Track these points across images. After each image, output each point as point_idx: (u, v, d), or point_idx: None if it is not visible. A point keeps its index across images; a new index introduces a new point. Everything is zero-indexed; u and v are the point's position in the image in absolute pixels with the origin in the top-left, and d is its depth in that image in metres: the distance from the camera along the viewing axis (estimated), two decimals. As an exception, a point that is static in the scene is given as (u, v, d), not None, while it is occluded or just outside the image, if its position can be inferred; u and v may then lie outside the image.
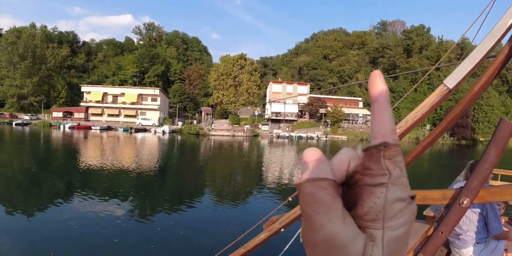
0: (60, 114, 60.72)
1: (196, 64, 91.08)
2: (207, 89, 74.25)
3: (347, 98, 72.75)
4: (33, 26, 71.78)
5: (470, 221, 2.88)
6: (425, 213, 3.18)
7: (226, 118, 67.51)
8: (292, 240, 5.55)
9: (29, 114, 61.02)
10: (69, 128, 49.64)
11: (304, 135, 51.50)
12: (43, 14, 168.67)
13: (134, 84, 75.91)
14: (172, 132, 52.03)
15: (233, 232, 7.41)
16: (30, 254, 6.18)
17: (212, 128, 53.98)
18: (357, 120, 63.64)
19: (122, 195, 10.96)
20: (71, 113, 61.75)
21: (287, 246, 5.58)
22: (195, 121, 62.57)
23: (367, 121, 63.31)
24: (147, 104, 62.91)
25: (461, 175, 4.27)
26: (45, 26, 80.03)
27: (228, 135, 51.37)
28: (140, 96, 63.33)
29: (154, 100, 63.49)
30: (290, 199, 3.42)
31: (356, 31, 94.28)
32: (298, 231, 5.29)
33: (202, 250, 6.49)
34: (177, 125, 58.36)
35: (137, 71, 79.00)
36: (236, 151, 30.37)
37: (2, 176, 13.46)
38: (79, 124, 52.51)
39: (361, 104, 72.44)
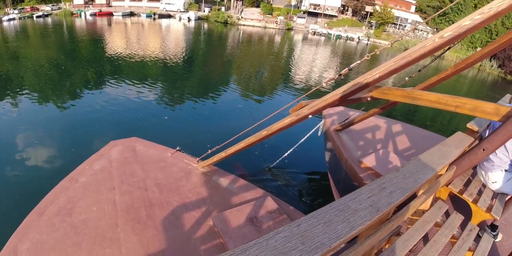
0: (81, 1, 57.55)
1: None
2: (237, -31, 65.63)
3: None
4: None
5: (510, 144, 2.46)
6: (468, 125, 2.85)
7: (257, 6, 61.82)
8: (311, 131, 5.61)
9: (50, 5, 58.70)
10: (91, 15, 47.95)
11: (343, 34, 46.55)
12: None
13: (154, -39, 68.02)
14: (198, 19, 48.99)
15: (258, 117, 7.57)
16: (67, 139, 6.59)
17: (242, 17, 50.20)
18: (405, 26, 55.89)
19: (150, 83, 11.04)
20: (92, -1, 58.67)
21: (305, 137, 5.70)
22: (223, 8, 57.88)
23: (416, 29, 55.87)
24: (171, -14, 57.72)
25: (503, 100, 3.90)
26: None
27: (259, 26, 47.89)
28: (162, -24, 57.59)
29: (178, -20, 57.76)
30: (324, 84, 3.04)
31: None
32: (319, 124, 5.22)
33: (226, 131, 6.73)
34: (204, 11, 54.48)
35: None
36: (266, 45, 28.86)
37: (31, 70, 13.53)
38: (100, 11, 50.30)
39: (413, 8, 62.19)
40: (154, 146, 3.80)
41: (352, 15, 58.50)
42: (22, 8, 58.62)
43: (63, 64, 14.45)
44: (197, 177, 3.26)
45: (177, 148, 3.69)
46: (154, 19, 46.77)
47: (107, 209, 2.72)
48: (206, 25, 42.99)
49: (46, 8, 57.47)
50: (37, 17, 50.72)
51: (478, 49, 51.62)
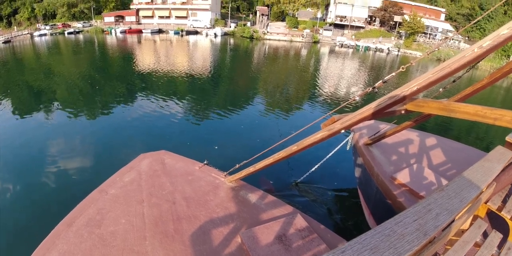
0: (112, 19, 61.17)
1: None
2: (263, -15, 67.73)
3: (427, 6, 61.68)
4: None
5: None
6: (507, 138, 2.73)
7: (283, 20, 62.94)
8: (340, 145, 5.49)
9: (82, 22, 62.22)
10: (121, 32, 50.43)
11: (372, 46, 45.85)
12: None
13: (183, -19, 71.59)
14: (224, 35, 50.56)
15: (287, 132, 7.44)
16: (99, 151, 6.90)
17: (268, 32, 51.16)
18: (435, 35, 54.55)
19: (179, 97, 11.40)
20: (122, 17, 62.05)
21: (333, 151, 5.58)
22: (249, 23, 59.44)
23: (447, 38, 54.79)
24: (198, 4, 59.97)
25: None
26: None
27: (285, 40, 48.53)
28: (190, -6, 60.30)
29: (205, -2, 60.21)
30: (357, 98, 3.00)
31: None
32: (348, 138, 5.11)
33: (254, 146, 6.75)
34: (230, 27, 56.16)
35: (186, -35, 73.22)
36: (293, 58, 29.06)
37: (63, 84, 14.47)
38: (130, 28, 52.98)
39: (442, 17, 61.40)
40: (182, 160, 3.86)
41: (380, 26, 58.04)
42: (54, 24, 62.15)
43: (95, 79, 15.28)
44: (225, 192, 3.26)
45: (205, 162, 3.74)
46: (182, 35, 48.64)
47: (136, 221, 2.77)
48: (232, 41, 44.14)
49: (78, 25, 60.91)
50: (69, 33, 53.46)
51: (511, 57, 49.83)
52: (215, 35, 48.53)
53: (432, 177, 3.65)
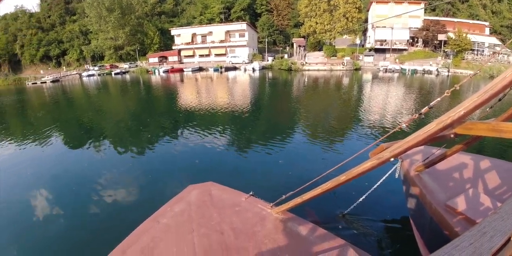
0: (156, 60, 66.94)
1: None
2: (297, 18, 70.49)
3: (470, 21, 59.61)
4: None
5: None
6: None
7: (320, 50, 64.16)
8: (387, 174, 5.31)
9: (128, 63, 68.69)
10: (164, 72, 54.95)
11: (419, 68, 44.25)
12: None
13: (221, 21, 76.99)
14: (262, 68, 52.50)
15: (332, 162, 7.36)
16: (149, 182, 7.38)
17: (306, 62, 52.23)
18: (483, 51, 51.66)
19: (221, 130, 11.97)
20: (165, 58, 67.60)
21: (381, 180, 5.40)
22: (286, 55, 61.37)
23: (495, 52, 51.91)
24: (235, 41, 63.82)
25: None
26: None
27: (325, 70, 49.02)
28: (227, 33, 64.42)
29: (242, 36, 63.83)
30: (404, 125, 3.03)
31: None
32: (396, 166, 4.96)
33: (299, 176, 6.75)
34: (267, 60, 58.39)
35: (223, 7, 79.05)
36: (334, 87, 29.17)
37: (111, 121, 16.00)
38: (172, 68, 57.60)
39: (487, 31, 59.11)
40: (228, 191, 4.02)
41: (424, 46, 56.62)
42: (102, 65, 69.08)
43: (141, 116, 16.54)
44: (272, 223, 3.32)
45: (251, 193, 3.85)
46: (221, 72, 51.24)
47: (187, 251, 2.91)
48: (270, 74, 45.59)
49: (124, 65, 67.05)
50: (116, 74, 58.83)
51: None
52: (253, 70, 50.58)
53: (489, 203, 3.44)
